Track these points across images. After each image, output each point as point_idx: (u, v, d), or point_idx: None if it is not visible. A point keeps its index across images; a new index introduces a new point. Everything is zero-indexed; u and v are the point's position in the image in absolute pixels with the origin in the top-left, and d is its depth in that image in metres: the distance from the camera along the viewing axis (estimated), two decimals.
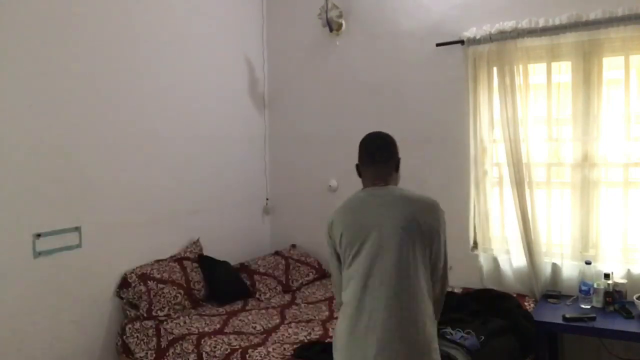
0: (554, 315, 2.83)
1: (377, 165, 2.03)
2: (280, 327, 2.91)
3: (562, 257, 3.16)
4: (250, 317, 3.07)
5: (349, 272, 1.92)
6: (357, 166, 2.10)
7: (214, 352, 2.64)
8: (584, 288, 2.91)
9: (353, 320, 1.85)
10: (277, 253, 3.93)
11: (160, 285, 3.09)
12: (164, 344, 2.83)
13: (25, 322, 2.66)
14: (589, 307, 2.88)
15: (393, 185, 2.01)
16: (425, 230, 1.88)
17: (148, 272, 3.13)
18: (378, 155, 2.03)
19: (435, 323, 1.94)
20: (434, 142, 3.52)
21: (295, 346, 2.59)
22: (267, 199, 4.28)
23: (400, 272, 1.83)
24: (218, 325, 2.91)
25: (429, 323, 1.86)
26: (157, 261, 3.28)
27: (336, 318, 2.99)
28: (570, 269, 3.12)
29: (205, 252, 3.56)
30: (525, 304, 3.04)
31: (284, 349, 2.58)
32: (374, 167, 2.03)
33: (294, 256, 3.88)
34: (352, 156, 4.00)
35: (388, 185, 1.99)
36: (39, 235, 2.70)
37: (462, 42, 3.31)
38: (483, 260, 3.37)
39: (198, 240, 3.60)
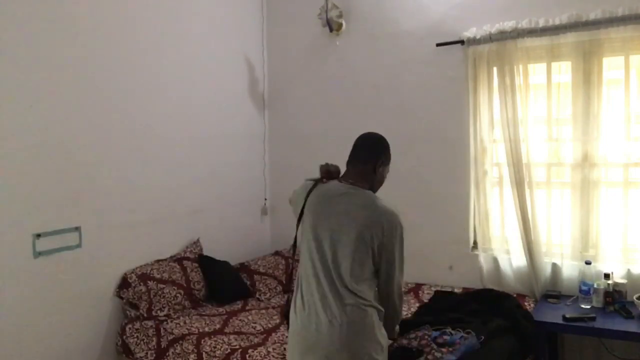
0: (554, 315, 2.83)
1: (354, 164, 2.13)
2: (280, 327, 2.91)
3: (562, 257, 3.16)
4: (250, 317, 3.07)
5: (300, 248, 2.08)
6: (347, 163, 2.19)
7: (214, 352, 2.64)
8: (584, 288, 2.91)
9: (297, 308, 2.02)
10: (277, 253, 3.93)
11: (160, 285, 3.09)
12: (164, 344, 2.83)
13: (25, 322, 2.66)
14: (589, 307, 2.88)
15: (365, 186, 2.09)
16: (375, 243, 1.99)
17: (148, 272, 3.13)
18: (358, 156, 2.14)
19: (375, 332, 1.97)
20: (434, 142, 3.52)
21: None
22: (265, 199, 4.28)
23: (336, 271, 1.96)
24: (218, 325, 2.91)
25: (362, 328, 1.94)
26: (157, 261, 3.28)
27: None
28: (570, 269, 3.13)
29: (205, 252, 3.56)
30: (525, 304, 3.04)
31: (284, 349, 2.58)
32: (352, 166, 2.14)
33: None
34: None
35: (360, 189, 2.07)
36: (39, 235, 2.70)
37: (462, 42, 3.31)
38: (483, 260, 3.37)
39: (198, 240, 3.60)
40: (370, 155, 2.13)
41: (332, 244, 2.00)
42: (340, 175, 2.17)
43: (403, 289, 2.14)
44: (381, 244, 2.00)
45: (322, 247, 2.02)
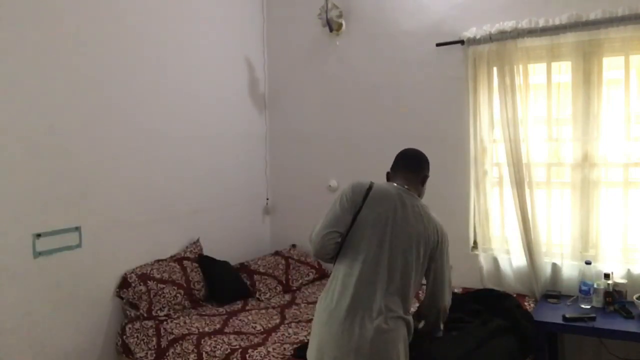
0: (554, 315, 2.83)
1: (406, 173, 2.18)
2: (280, 327, 2.91)
3: (562, 257, 3.16)
4: (250, 317, 3.07)
5: (348, 245, 2.04)
6: (388, 174, 2.26)
7: (214, 352, 2.64)
8: (584, 288, 2.91)
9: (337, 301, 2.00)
10: (277, 253, 3.93)
11: (160, 285, 3.09)
12: (164, 344, 2.83)
13: (25, 322, 2.66)
14: (589, 307, 2.88)
15: (417, 195, 2.16)
16: (428, 251, 2.05)
17: (148, 272, 3.13)
18: (410, 165, 2.20)
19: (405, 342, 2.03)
20: (434, 142, 3.50)
21: (295, 346, 2.59)
22: (267, 199, 4.28)
23: (393, 277, 1.99)
24: (218, 325, 2.91)
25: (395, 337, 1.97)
26: (157, 261, 3.28)
27: None
28: (570, 269, 3.13)
29: (205, 252, 3.56)
30: (525, 304, 3.04)
31: (284, 349, 2.58)
32: (403, 173, 2.18)
33: (294, 256, 3.88)
34: (352, 156, 4.06)
35: (415, 196, 2.13)
36: (39, 235, 2.70)
37: (462, 42, 3.31)
38: (483, 260, 3.37)
39: (198, 240, 3.60)
40: (422, 167, 2.21)
41: (388, 248, 2.01)
42: (390, 179, 2.22)
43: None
44: (432, 257, 2.07)
45: (377, 249, 2.01)
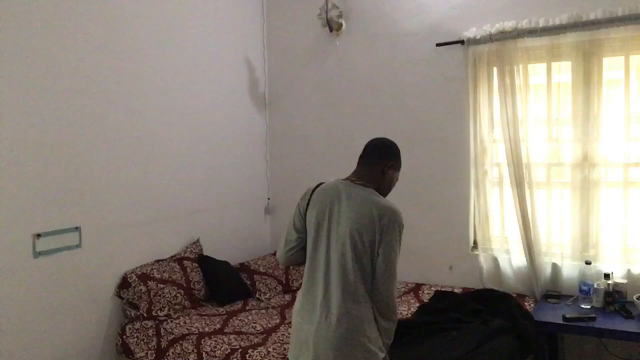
0: (554, 315, 2.83)
1: (359, 166, 2.20)
2: (280, 327, 2.91)
3: (562, 257, 3.16)
4: (250, 317, 3.07)
5: (308, 249, 2.07)
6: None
7: (214, 352, 2.64)
8: (584, 288, 2.91)
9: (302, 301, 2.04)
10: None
11: (160, 285, 3.09)
12: (164, 344, 2.83)
13: (25, 322, 2.66)
14: (589, 307, 2.88)
15: (369, 185, 2.10)
16: (372, 239, 1.95)
17: (148, 272, 3.13)
18: (364, 157, 2.20)
19: (371, 325, 1.95)
20: (434, 142, 3.52)
21: None
22: (268, 199, 4.28)
23: (341, 269, 1.95)
24: (218, 325, 2.91)
25: (358, 323, 1.92)
26: (157, 261, 3.28)
27: None
28: (570, 269, 3.13)
29: (205, 252, 3.56)
30: (525, 304, 3.04)
31: (284, 349, 2.58)
32: (357, 166, 2.20)
33: None
34: (353, 156, 4.02)
35: (363, 186, 2.08)
36: (39, 235, 2.70)
37: (462, 42, 3.31)
38: (483, 260, 3.37)
39: (198, 240, 3.60)
40: (380, 157, 2.17)
41: (331, 241, 2.00)
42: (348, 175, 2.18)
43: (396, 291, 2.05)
44: (380, 241, 1.95)
45: (322, 244, 2.02)
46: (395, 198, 3.76)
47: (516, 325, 2.67)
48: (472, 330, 2.60)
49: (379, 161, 2.16)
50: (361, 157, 2.21)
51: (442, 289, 3.35)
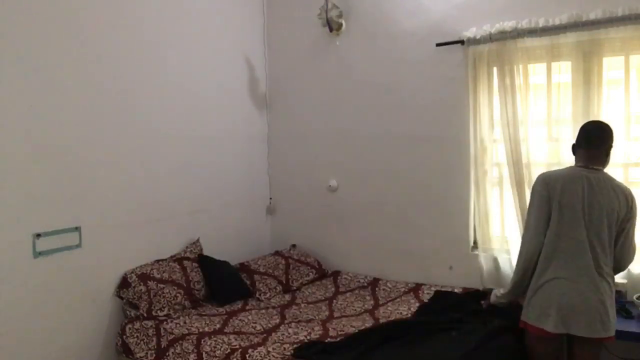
0: None
1: (589, 151, 2.46)
2: (280, 327, 2.91)
3: None
4: (250, 317, 3.07)
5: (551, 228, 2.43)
6: (573, 146, 2.55)
7: (214, 352, 2.64)
8: None
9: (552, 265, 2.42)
10: (277, 253, 3.93)
11: (160, 285, 3.09)
12: (164, 344, 2.83)
13: (25, 322, 2.66)
14: None
15: (602, 169, 2.45)
16: (618, 219, 2.38)
17: (148, 272, 3.13)
18: (592, 142, 2.46)
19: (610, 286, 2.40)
20: (434, 142, 3.52)
21: (294, 346, 2.59)
22: (270, 199, 4.28)
23: (587, 248, 2.36)
24: (218, 325, 2.91)
25: (602, 288, 2.35)
26: (157, 261, 3.28)
27: (336, 318, 3.02)
28: None
29: (205, 252, 3.56)
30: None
31: (284, 348, 2.58)
32: (586, 152, 2.47)
33: (294, 256, 3.88)
34: (352, 156, 4.06)
35: (600, 170, 2.43)
36: (39, 235, 2.70)
37: (462, 42, 3.31)
38: (483, 260, 3.36)
39: (198, 240, 3.60)
40: (603, 141, 2.46)
41: (587, 224, 2.36)
42: (576, 161, 2.51)
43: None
44: (622, 224, 2.39)
45: (580, 225, 2.37)
46: (395, 197, 3.78)
47: (516, 325, 2.67)
48: (472, 330, 2.60)
49: (603, 146, 2.45)
50: (587, 142, 2.47)
51: (442, 289, 3.36)
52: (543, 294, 2.42)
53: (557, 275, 2.39)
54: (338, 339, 2.68)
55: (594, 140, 2.46)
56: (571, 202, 2.38)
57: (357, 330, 2.77)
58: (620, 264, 2.50)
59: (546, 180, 2.48)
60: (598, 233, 2.36)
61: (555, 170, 2.58)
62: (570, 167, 2.52)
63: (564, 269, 2.39)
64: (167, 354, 2.79)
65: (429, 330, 2.66)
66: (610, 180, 2.42)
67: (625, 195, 2.39)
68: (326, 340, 2.67)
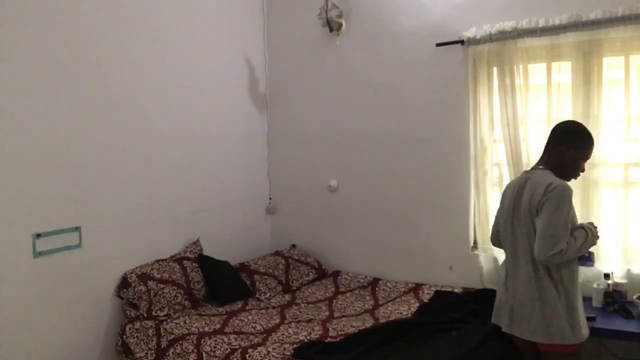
0: None
1: (545, 149, 2.43)
2: (280, 327, 2.91)
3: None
4: (250, 317, 3.07)
5: None
6: None
7: (214, 352, 2.64)
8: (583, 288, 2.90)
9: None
10: (277, 253, 3.93)
11: (160, 285, 3.09)
12: (164, 344, 2.84)
13: (25, 322, 2.66)
14: (588, 307, 2.88)
15: (545, 167, 2.37)
16: (534, 213, 2.27)
17: (148, 272, 3.13)
18: (549, 140, 2.41)
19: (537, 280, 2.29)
20: (434, 142, 3.52)
21: (295, 346, 2.59)
22: (270, 199, 4.28)
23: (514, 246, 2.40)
24: (218, 325, 2.92)
25: (529, 280, 2.29)
26: (157, 261, 3.28)
27: (336, 318, 3.01)
28: None
29: (205, 252, 3.56)
30: None
31: (284, 348, 2.58)
32: (544, 150, 2.43)
33: (294, 256, 3.88)
34: (352, 156, 4.05)
35: (542, 169, 2.36)
36: (39, 235, 2.70)
37: (462, 42, 3.31)
38: (483, 260, 3.36)
39: (198, 240, 3.60)
40: (558, 139, 2.36)
41: (514, 222, 2.37)
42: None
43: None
44: (540, 207, 2.23)
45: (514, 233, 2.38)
46: (395, 197, 3.78)
47: None
48: (472, 331, 2.60)
49: (558, 144, 2.36)
50: (547, 142, 2.42)
51: (442, 289, 3.36)
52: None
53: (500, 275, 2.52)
54: (338, 339, 2.68)
55: (547, 142, 2.42)
56: (504, 204, 2.45)
57: (357, 330, 2.77)
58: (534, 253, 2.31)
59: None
60: (525, 230, 2.31)
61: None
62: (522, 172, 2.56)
63: (504, 268, 2.49)
64: (167, 354, 2.79)
65: (429, 330, 2.67)
66: (542, 177, 2.30)
67: (546, 186, 2.23)
68: (326, 340, 2.67)
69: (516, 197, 2.35)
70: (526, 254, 2.30)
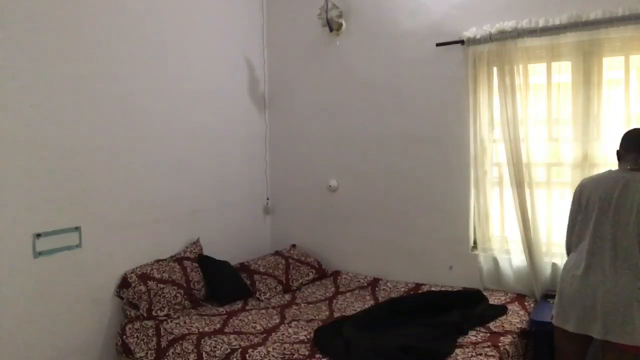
0: None
1: (635, 154, 2.39)
2: (280, 327, 2.91)
3: (562, 257, 3.14)
4: (250, 317, 3.07)
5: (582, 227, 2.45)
6: (618, 152, 2.48)
7: (214, 352, 2.64)
8: None
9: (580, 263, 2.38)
10: (277, 253, 3.93)
11: (160, 285, 3.09)
12: (164, 344, 2.83)
13: (25, 322, 2.66)
14: None
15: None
16: None
17: (148, 272, 3.13)
18: (636, 146, 2.39)
19: None
20: (434, 142, 3.52)
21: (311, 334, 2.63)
22: (267, 199, 4.28)
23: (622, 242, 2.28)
24: (218, 325, 2.91)
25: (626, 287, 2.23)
26: (157, 261, 3.28)
27: (336, 318, 3.01)
28: None
29: (205, 252, 3.56)
30: (525, 303, 3.05)
31: (284, 348, 2.58)
32: (633, 155, 2.38)
33: (294, 256, 3.88)
34: (352, 156, 4.06)
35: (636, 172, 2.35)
36: (39, 235, 2.70)
37: (462, 42, 3.31)
38: (483, 260, 3.37)
39: (198, 240, 3.60)
40: None
41: (614, 222, 2.30)
42: (620, 165, 2.45)
43: None
44: None
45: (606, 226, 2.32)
46: (395, 197, 3.78)
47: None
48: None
49: None
50: (634, 147, 2.39)
51: (442, 289, 3.36)
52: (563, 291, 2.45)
53: (576, 273, 2.38)
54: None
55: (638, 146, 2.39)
56: (598, 203, 2.35)
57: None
58: None
59: (578, 189, 2.52)
60: (626, 230, 2.26)
61: (591, 177, 2.56)
62: (610, 171, 2.47)
63: (584, 266, 2.36)
64: (167, 354, 2.79)
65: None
66: None
67: None
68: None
69: (619, 197, 2.30)
70: (624, 253, 2.27)
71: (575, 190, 2.53)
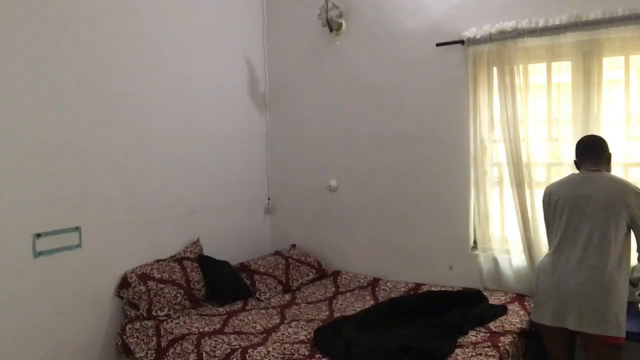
0: None
1: (592, 159, 2.55)
2: (280, 327, 2.91)
3: None
4: (250, 317, 3.07)
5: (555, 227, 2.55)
6: (576, 162, 2.65)
7: (214, 352, 2.64)
8: None
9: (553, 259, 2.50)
10: (277, 253, 3.93)
11: (160, 285, 3.09)
12: (164, 344, 2.84)
13: (25, 322, 2.66)
14: None
15: (604, 171, 2.55)
16: (619, 205, 2.38)
17: (148, 272, 3.13)
18: (594, 149, 2.57)
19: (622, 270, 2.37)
20: (434, 142, 3.52)
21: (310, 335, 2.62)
22: (268, 199, 4.28)
23: (592, 235, 2.39)
24: (218, 325, 2.92)
25: (613, 270, 2.33)
26: (157, 261, 3.28)
27: (336, 318, 3.02)
28: None
29: (205, 252, 3.56)
30: (525, 304, 3.05)
31: (284, 348, 2.58)
32: (589, 160, 2.56)
33: (294, 256, 3.89)
34: (352, 156, 4.06)
35: (600, 171, 2.52)
36: (39, 235, 2.70)
37: (462, 42, 3.31)
38: (483, 260, 3.37)
39: (198, 240, 3.60)
40: (604, 149, 2.59)
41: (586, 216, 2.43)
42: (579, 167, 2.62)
43: None
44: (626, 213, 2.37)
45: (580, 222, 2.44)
46: (395, 197, 3.78)
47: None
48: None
49: (603, 154, 2.57)
50: (588, 154, 2.57)
51: (442, 289, 3.36)
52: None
53: (549, 267, 2.51)
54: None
55: (595, 149, 2.57)
56: (567, 201, 2.50)
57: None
58: None
59: (546, 192, 2.65)
60: (596, 224, 2.39)
61: (556, 182, 2.69)
62: (572, 174, 2.63)
63: (556, 261, 2.48)
64: (167, 354, 2.79)
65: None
66: (610, 176, 2.52)
67: (622, 186, 2.43)
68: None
69: (588, 193, 2.44)
70: (598, 245, 2.38)
71: (544, 195, 2.66)
